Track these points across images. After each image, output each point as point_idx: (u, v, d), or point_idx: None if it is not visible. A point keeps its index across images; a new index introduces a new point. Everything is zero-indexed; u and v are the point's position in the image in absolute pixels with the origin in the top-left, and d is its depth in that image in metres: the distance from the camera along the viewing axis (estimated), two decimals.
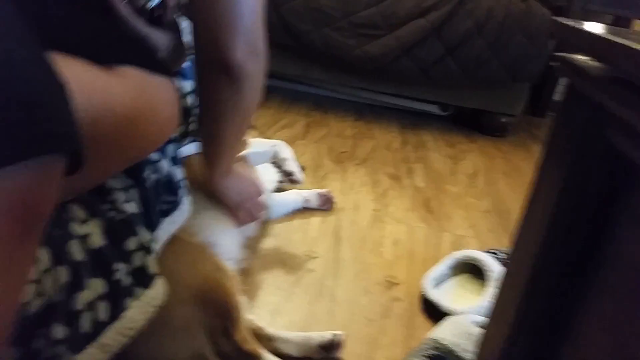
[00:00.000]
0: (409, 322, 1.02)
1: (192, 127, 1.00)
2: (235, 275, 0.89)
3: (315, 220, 1.36)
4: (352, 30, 2.10)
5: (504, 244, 1.35)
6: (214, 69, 0.80)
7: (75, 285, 0.56)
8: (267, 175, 1.31)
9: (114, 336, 0.61)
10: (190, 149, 1.07)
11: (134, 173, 0.72)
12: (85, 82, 0.53)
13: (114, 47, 0.62)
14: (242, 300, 0.86)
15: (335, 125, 2.12)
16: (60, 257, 0.55)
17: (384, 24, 2.08)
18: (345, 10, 2.09)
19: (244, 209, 1.06)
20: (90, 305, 0.59)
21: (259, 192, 1.12)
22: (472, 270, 1.15)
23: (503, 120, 2.29)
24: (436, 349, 0.86)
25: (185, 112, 0.97)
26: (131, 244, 0.66)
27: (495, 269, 1.08)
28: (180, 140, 0.99)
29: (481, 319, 0.93)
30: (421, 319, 1.04)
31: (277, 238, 1.26)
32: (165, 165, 0.79)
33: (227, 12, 0.74)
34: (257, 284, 1.08)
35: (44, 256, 0.53)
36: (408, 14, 2.06)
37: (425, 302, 1.06)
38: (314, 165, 1.70)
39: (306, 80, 2.41)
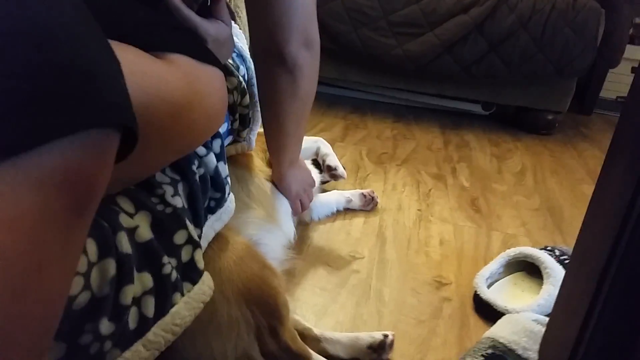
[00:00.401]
0: (462, 323, 0.98)
1: (236, 125, 0.99)
2: (281, 274, 0.87)
3: (358, 221, 1.33)
4: (392, 30, 2.07)
5: (558, 241, 1.29)
6: (270, 61, 0.85)
7: (123, 279, 0.55)
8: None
9: (160, 333, 0.59)
10: (232, 149, 1.07)
11: (181, 167, 0.70)
12: (138, 68, 0.52)
13: (164, 36, 0.61)
14: (288, 299, 0.84)
15: (374, 127, 2.08)
16: (107, 249, 0.54)
17: (425, 22, 2.04)
18: (384, 9, 2.06)
19: (302, 198, 1.13)
20: (137, 301, 0.57)
21: (314, 182, 1.19)
22: (526, 269, 1.09)
23: (549, 117, 2.21)
24: (494, 347, 0.81)
25: (231, 109, 0.96)
26: (179, 237, 0.65)
27: (552, 266, 1.03)
28: (225, 136, 0.99)
29: (541, 317, 0.87)
30: (474, 319, 0.99)
31: (320, 239, 1.23)
32: (212, 160, 0.78)
33: (281, 7, 0.78)
34: (301, 285, 1.05)
35: (91, 248, 0.52)
36: (449, 11, 2.02)
37: (478, 301, 1.01)
38: (355, 166, 1.67)
39: (344, 83, 2.38)
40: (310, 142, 1.25)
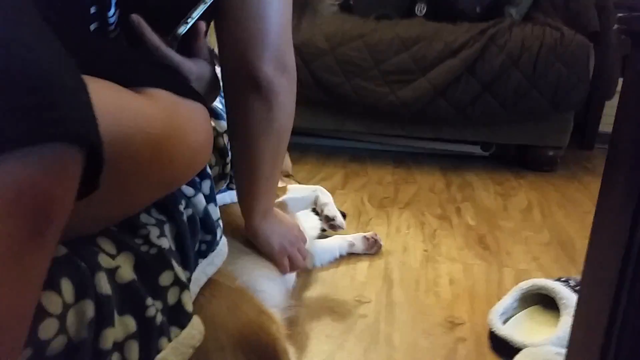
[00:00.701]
0: None
1: (228, 169, 0.97)
2: (280, 320, 0.82)
3: (363, 265, 1.28)
4: (384, 78, 2.09)
5: (572, 273, 1.23)
6: (244, 86, 0.77)
7: (102, 321, 0.51)
8: (309, 222, 1.25)
9: None
10: (227, 197, 1.04)
11: (167, 207, 0.68)
12: (115, 100, 0.51)
13: (143, 71, 0.61)
14: (288, 347, 0.78)
15: (374, 174, 2.06)
16: (85, 290, 0.50)
17: (415, 68, 2.07)
18: (375, 59, 2.09)
19: (288, 256, 0.99)
20: (120, 346, 0.53)
21: (303, 238, 1.06)
22: (542, 302, 1.03)
23: (550, 153, 2.19)
24: None
25: (222, 152, 0.94)
26: (165, 279, 0.61)
27: (568, 296, 0.97)
28: (217, 181, 0.96)
29: (561, 350, 0.81)
30: (492, 358, 0.92)
31: (324, 286, 1.18)
32: (201, 201, 0.75)
33: (253, 28, 0.72)
34: (305, 334, 0.99)
35: (67, 288, 0.49)
36: (439, 56, 2.05)
37: (494, 339, 0.95)
38: (356, 212, 1.63)
39: (341, 134, 2.39)
40: (309, 191, 1.22)
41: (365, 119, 2.23)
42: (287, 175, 1.42)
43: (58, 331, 0.47)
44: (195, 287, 0.73)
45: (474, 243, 1.42)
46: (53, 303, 0.47)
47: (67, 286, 0.49)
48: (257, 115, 0.79)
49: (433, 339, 0.98)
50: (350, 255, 1.32)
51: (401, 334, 0.99)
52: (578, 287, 1.04)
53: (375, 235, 1.34)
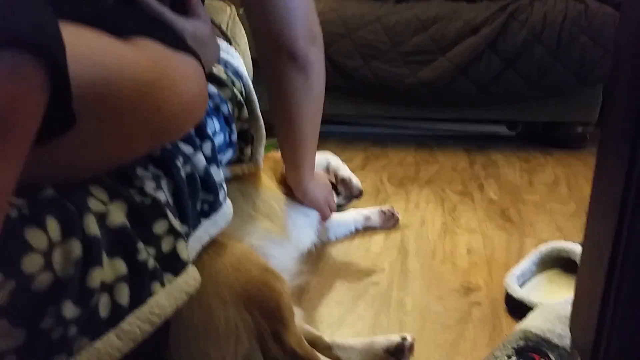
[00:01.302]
0: (493, 326, 0.88)
1: (234, 137, 0.97)
2: (285, 279, 0.81)
3: (379, 238, 1.26)
4: (403, 59, 2.07)
5: None
6: (281, 62, 0.85)
7: (90, 261, 0.51)
8: None
9: (136, 322, 0.54)
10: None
11: (164, 162, 0.68)
12: (98, 45, 0.51)
13: (132, 22, 0.61)
14: (293, 305, 0.78)
15: (395, 156, 2.03)
16: (72, 230, 0.51)
17: (435, 48, 2.03)
18: (393, 40, 2.07)
19: (330, 202, 1.12)
20: (109, 287, 0.53)
21: (330, 187, 1.18)
22: (562, 266, 0.99)
23: (579, 130, 2.11)
24: (526, 339, 0.72)
25: (226, 119, 0.94)
26: (159, 227, 0.61)
27: None
28: (224, 149, 0.97)
29: None
30: (507, 321, 0.89)
31: (337, 257, 1.17)
32: (201, 160, 0.75)
33: (284, 4, 0.79)
34: (315, 300, 0.98)
35: (53, 227, 0.49)
36: (458, 34, 2.00)
37: (510, 301, 0.92)
38: (375, 191, 1.61)
39: (362, 119, 2.37)
40: (319, 157, 1.22)
41: (385, 102, 2.21)
42: None
43: (43, 267, 0.48)
44: (197, 244, 0.73)
45: (495, 216, 1.39)
46: (37, 239, 0.48)
47: (52, 224, 0.49)
48: (296, 85, 0.87)
49: (446, 304, 0.96)
50: (366, 230, 1.30)
51: (413, 300, 0.97)
52: None
53: (392, 209, 1.33)
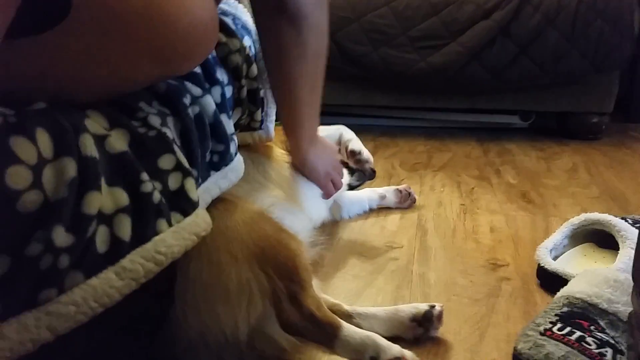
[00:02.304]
0: (526, 300, 0.81)
1: (243, 93, 0.90)
2: (301, 240, 0.74)
3: (394, 217, 1.18)
4: (412, 45, 2.00)
5: None
6: (271, 11, 0.75)
7: (86, 183, 0.44)
8: None
9: (139, 260, 0.47)
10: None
11: (170, 100, 0.61)
12: None
13: None
14: (309, 266, 0.70)
15: (405, 145, 1.96)
16: (66, 147, 0.43)
17: (446, 32, 1.97)
18: (403, 25, 2.00)
19: (333, 177, 1.00)
20: (108, 219, 0.46)
21: (340, 160, 1.06)
22: (595, 240, 0.92)
23: (594, 120, 2.04)
24: (570, 305, 0.64)
25: (235, 72, 0.87)
26: (165, 162, 0.54)
27: (627, 228, 0.85)
28: (232, 106, 0.90)
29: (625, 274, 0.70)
30: (541, 295, 0.82)
31: (351, 233, 1.09)
32: (210, 103, 0.68)
33: None
34: (331, 274, 0.91)
35: (43, 140, 0.42)
36: (470, 18, 1.94)
37: (543, 275, 0.84)
38: (387, 174, 1.54)
39: (370, 110, 2.30)
40: (332, 130, 1.15)
41: (394, 91, 2.14)
42: None
43: (32, 184, 0.40)
44: (207, 196, 0.66)
45: (516, 198, 1.31)
46: (25, 151, 0.41)
47: (43, 138, 0.42)
48: (287, 40, 0.77)
49: (473, 278, 0.88)
50: (381, 209, 1.23)
51: (437, 274, 0.89)
52: (638, 225, 0.92)
53: (409, 188, 1.25)
